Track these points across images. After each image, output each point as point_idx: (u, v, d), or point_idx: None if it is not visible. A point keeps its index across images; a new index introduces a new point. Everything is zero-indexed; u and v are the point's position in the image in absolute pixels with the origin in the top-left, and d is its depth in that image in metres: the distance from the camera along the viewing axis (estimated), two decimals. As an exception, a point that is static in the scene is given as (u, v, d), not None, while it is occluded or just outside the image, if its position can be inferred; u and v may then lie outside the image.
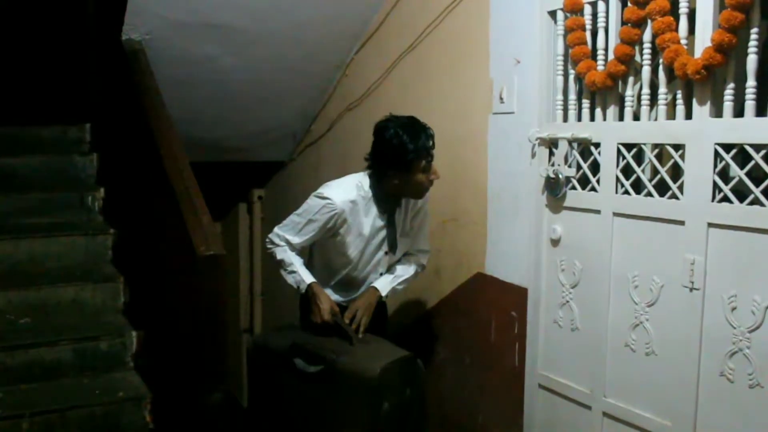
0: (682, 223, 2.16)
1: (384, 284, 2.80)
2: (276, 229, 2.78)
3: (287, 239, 2.72)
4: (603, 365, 2.46)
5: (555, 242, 2.63)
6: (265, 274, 5.25)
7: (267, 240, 2.81)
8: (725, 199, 2.06)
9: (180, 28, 3.47)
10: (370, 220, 2.70)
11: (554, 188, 2.59)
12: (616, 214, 2.39)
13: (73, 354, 2.93)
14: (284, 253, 2.72)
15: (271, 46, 3.77)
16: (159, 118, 3.08)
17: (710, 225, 2.08)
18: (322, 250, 2.82)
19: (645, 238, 2.30)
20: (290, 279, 2.74)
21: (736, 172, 2.03)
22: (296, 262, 2.73)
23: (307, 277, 2.71)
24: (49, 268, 3.22)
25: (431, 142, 2.61)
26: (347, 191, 2.67)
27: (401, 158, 2.57)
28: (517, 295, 2.77)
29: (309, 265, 2.83)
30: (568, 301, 2.60)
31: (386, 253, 2.79)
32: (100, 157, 3.68)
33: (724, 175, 2.08)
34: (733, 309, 2.03)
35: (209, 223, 2.61)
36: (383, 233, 2.75)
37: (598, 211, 2.45)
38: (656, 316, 2.28)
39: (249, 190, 5.42)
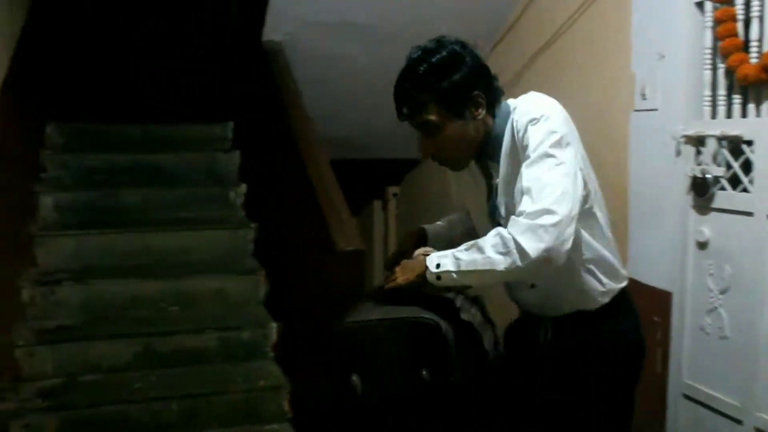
0: None
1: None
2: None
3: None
4: (755, 377, 2.32)
5: (702, 245, 2.51)
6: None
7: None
8: None
9: (317, 28, 3.57)
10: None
11: (701, 189, 2.47)
12: (771, 217, 2.25)
13: (218, 342, 3.08)
14: None
15: (402, 44, 3.78)
16: (298, 117, 3.18)
17: None
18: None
19: (805, 244, 2.16)
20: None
21: None
22: None
23: None
24: (196, 259, 3.40)
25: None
26: None
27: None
28: (661, 300, 2.66)
29: None
30: (716, 308, 2.47)
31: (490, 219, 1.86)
32: (241, 154, 3.83)
33: None
34: None
35: (348, 219, 2.66)
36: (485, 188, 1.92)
37: (750, 213, 2.31)
38: (817, 327, 2.13)
39: (384, 187, 5.47)
